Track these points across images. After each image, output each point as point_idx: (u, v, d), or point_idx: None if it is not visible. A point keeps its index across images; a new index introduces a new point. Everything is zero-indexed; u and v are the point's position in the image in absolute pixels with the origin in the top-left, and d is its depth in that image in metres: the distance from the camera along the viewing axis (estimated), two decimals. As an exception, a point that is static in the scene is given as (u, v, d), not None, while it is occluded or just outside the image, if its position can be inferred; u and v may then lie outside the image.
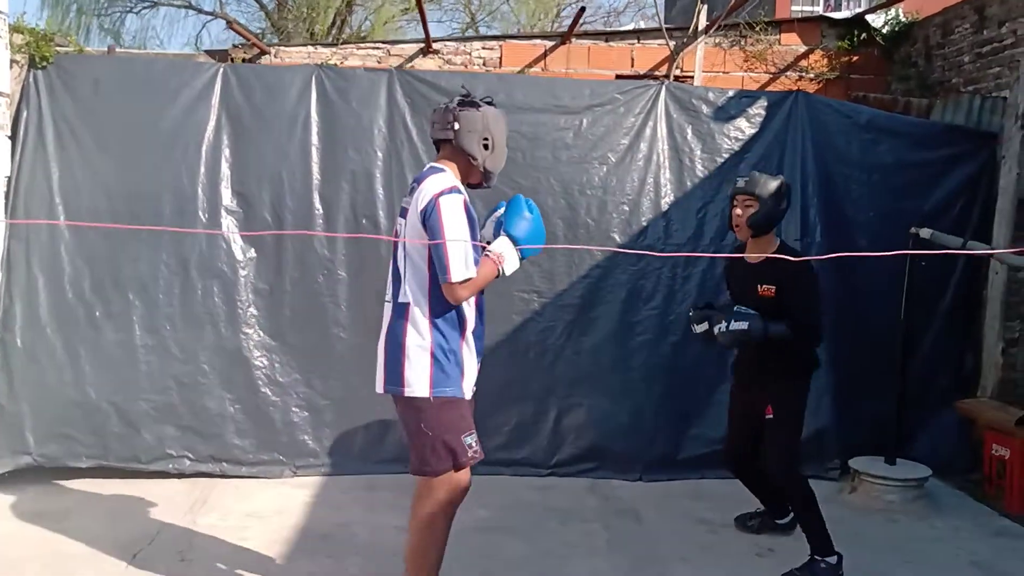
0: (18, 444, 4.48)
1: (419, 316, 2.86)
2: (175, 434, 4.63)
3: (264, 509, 4.25)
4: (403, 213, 2.94)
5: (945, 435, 5.16)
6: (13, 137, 4.53)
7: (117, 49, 5.56)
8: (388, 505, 4.17)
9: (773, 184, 3.65)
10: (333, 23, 18.28)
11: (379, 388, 2.94)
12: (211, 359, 4.66)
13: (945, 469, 5.00)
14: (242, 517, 4.13)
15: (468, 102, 2.94)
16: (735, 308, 3.59)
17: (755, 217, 3.62)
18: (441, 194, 2.80)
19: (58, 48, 4.70)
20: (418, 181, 2.92)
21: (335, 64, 6.57)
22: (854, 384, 5.00)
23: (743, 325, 3.51)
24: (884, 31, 7.02)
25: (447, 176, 2.90)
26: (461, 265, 2.78)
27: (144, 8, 19.13)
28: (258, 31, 19.96)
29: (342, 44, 7.09)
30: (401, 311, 2.88)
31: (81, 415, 4.54)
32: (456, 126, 2.90)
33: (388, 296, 2.96)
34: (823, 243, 4.94)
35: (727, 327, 3.53)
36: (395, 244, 2.92)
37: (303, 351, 4.75)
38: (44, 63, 4.58)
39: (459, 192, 2.84)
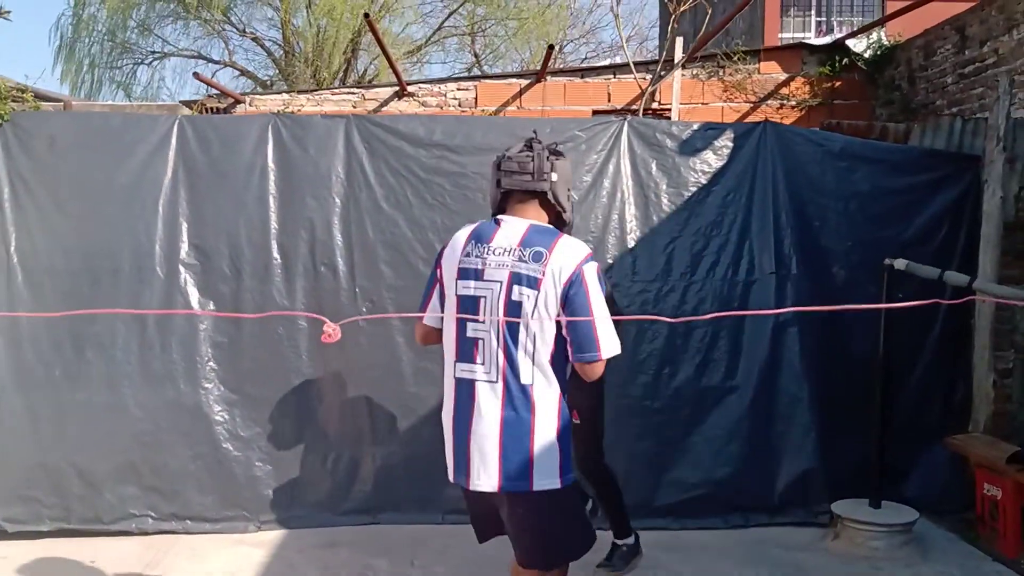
0: None
1: (547, 397, 2.55)
2: (137, 493, 4.53)
3: (216, 571, 4.12)
4: (523, 280, 2.52)
5: (936, 473, 4.93)
6: (-31, 197, 4.51)
7: (68, 101, 5.55)
8: (343, 563, 4.03)
9: None
10: (339, 69, 18.52)
11: (489, 486, 2.53)
12: (171, 416, 4.56)
13: (937, 509, 4.79)
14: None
15: (556, 150, 2.71)
16: None
17: None
18: (585, 262, 2.55)
19: (14, 104, 4.69)
20: (533, 243, 2.56)
21: (310, 111, 6.56)
22: (839, 422, 4.80)
23: None
24: (866, 55, 6.92)
25: (573, 239, 2.64)
26: (611, 339, 2.55)
27: (155, 60, 19.55)
28: (266, 78, 20.28)
29: (318, 91, 7.09)
30: (524, 394, 2.52)
31: (43, 477, 4.47)
32: (555, 176, 2.65)
33: (490, 375, 2.54)
34: (799, 274, 4.80)
35: None
36: (501, 314, 2.52)
37: (264, 403, 4.66)
38: (0, 122, 4.57)
39: (594, 259, 2.63)
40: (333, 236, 4.77)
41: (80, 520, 4.47)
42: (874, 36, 7.03)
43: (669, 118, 6.53)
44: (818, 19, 11.98)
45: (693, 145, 4.92)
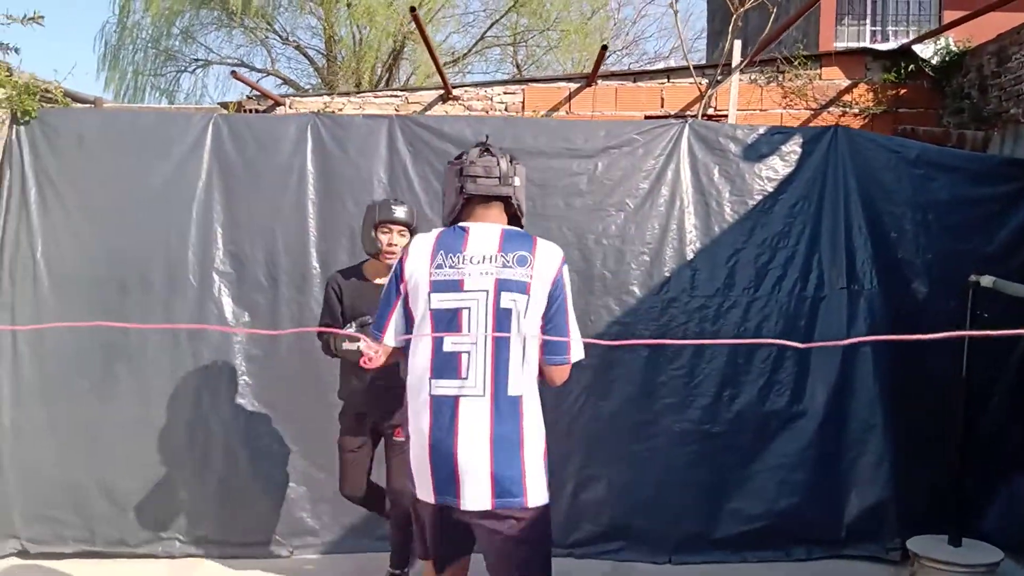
0: (5, 527, 4.24)
1: (532, 409, 2.45)
2: (164, 514, 4.31)
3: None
4: (511, 286, 2.41)
5: (1019, 507, 4.52)
6: (-5, 197, 4.33)
7: (99, 99, 5.38)
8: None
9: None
10: (381, 76, 18.46)
11: (481, 504, 2.36)
12: (202, 432, 4.33)
13: (1020, 547, 4.37)
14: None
15: (513, 156, 2.63)
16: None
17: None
18: (563, 263, 2.50)
19: (43, 103, 4.51)
20: (514, 247, 2.46)
21: (357, 114, 6.33)
22: (915, 450, 4.43)
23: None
24: (933, 62, 6.52)
25: (546, 240, 2.56)
26: (579, 343, 2.50)
27: (198, 67, 19.64)
28: (308, 86, 20.28)
29: (361, 93, 6.87)
30: (513, 406, 2.39)
31: (67, 496, 4.27)
32: (517, 181, 2.58)
33: (477, 389, 2.37)
34: (873, 290, 4.45)
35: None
36: (499, 326, 2.38)
37: (299, 420, 4.40)
38: (27, 118, 4.39)
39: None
40: (374, 243, 4.51)
41: (104, 542, 4.26)
42: (941, 42, 6.65)
43: (724, 124, 6.20)
44: (873, 28, 11.56)
45: (759, 150, 4.60)
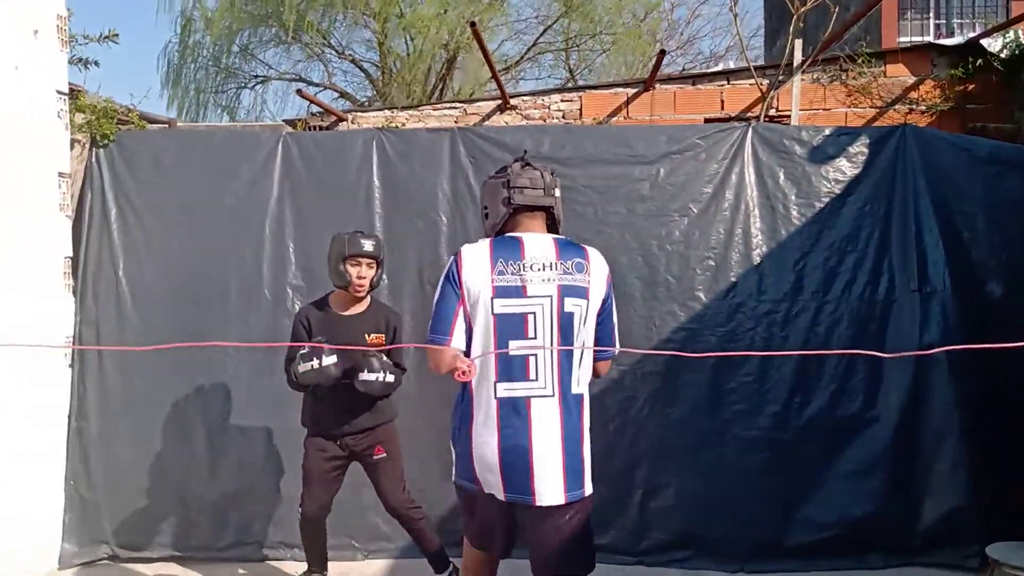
0: (97, 534, 4.44)
1: (587, 405, 2.60)
2: (247, 521, 4.47)
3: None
4: (574, 292, 2.53)
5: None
6: (79, 218, 4.52)
7: (173, 120, 5.56)
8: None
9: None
10: (435, 88, 18.64)
11: (555, 498, 2.46)
12: (281, 442, 4.46)
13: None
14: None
15: (553, 169, 2.80)
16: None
17: (376, 277, 3.75)
18: (607, 268, 2.69)
19: (120, 125, 4.69)
20: (570, 255, 2.58)
21: (406, 126, 6.43)
22: (992, 456, 4.32)
23: (392, 377, 3.61)
24: (1003, 55, 6.33)
25: (591, 247, 2.70)
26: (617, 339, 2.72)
27: (257, 83, 20.09)
28: (364, 99, 20.59)
29: (420, 106, 6.96)
30: (577, 403, 2.54)
31: (155, 503, 4.46)
32: (557, 192, 2.72)
33: (546, 390, 2.49)
34: (946, 292, 4.35)
35: (382, 378, 3.57)
36: (563, 329, 2.51)
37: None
38: (106, 141, 4.57)
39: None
40: (440, 255, 4.59)
41: (190, 547, 4.44)
42: (1010, 35, 6.45)
43: (788, 125, 6.12)
44: (937, 21, 11.28)
45: (825, 151, 4.54)
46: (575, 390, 2.52)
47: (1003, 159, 4.58)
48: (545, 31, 19.91)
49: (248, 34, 18.96)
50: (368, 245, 3.65)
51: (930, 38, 11.03)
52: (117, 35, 5.31)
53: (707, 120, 6.52)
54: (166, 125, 5.39)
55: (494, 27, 19.26)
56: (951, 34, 11.05)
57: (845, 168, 4.55)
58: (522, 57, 20.52)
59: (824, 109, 6.60)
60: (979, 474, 4.29)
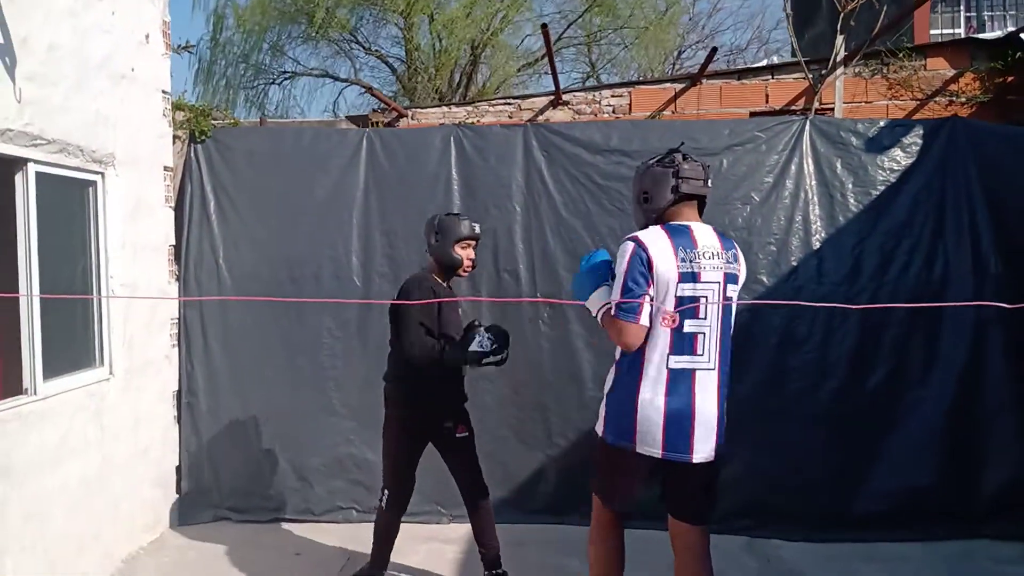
0: (211, 499, 4.86)
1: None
2: (343, 487, 4.85)
3: (415, 565, 4.27)
4: (733, 279, 2.91)
5: None
6: (179, 209, 4.84)
7: (267, 120, 5.88)
8: (536, 566, 4.07)
9: None
10: (460, 83, 18.90)
11: (708, 454, 2.84)
12: (372, 416, 4.73)
13: None
14: (395, 574, 4.14)
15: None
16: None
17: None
18: None
19: (214, 122, 5.00)
20: (727, 246, 2.93)
21: (472, 122, 6.71)
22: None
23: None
24: (1041, 47, 6.55)
25: None
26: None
27: (285, 79, 20.40)
28: (390, 94, 20.88)
29: (475, 102, 7.24)
30: (726, 377, 2.92)
31: (260, 471, 4.86)
32: (710, 183, 3.00)
33: (709, 364, 2.85)
34: (998, 274, 4.60)
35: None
36: (724, 311, 2.87)
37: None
38: (203, 137, 4.88)
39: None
40: (515, 244, 4.87)
41: (293, 511, 4.84)
42: (1049, 27, 6.67)
43: (844, 119, 6.36)
44: (968, 14, 11.46)
45: (880, 142, 4.78)
46: (726, 365, 2.90)
47: (1049, 148, 4.81)
48: (570, 26, 20.11)
49: (277, 30, 19.29)
50: (477, 228, 3.81)
51: (960, 30, 11.22)
52: (194, 46, 5.61)
53: (752, 114, 6.78)
54: (257, 123, 5.70)
55: (519, 22, 19.52)
56: (981, 27, 11.22)
57: (899, 158, 4.79)
58: (545, 53, 20.73)
59: (866, 102, 6.84)
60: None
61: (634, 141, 4.90)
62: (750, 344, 4.62)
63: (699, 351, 2.82)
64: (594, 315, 3.01)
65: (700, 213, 3.00)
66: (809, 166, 4.82)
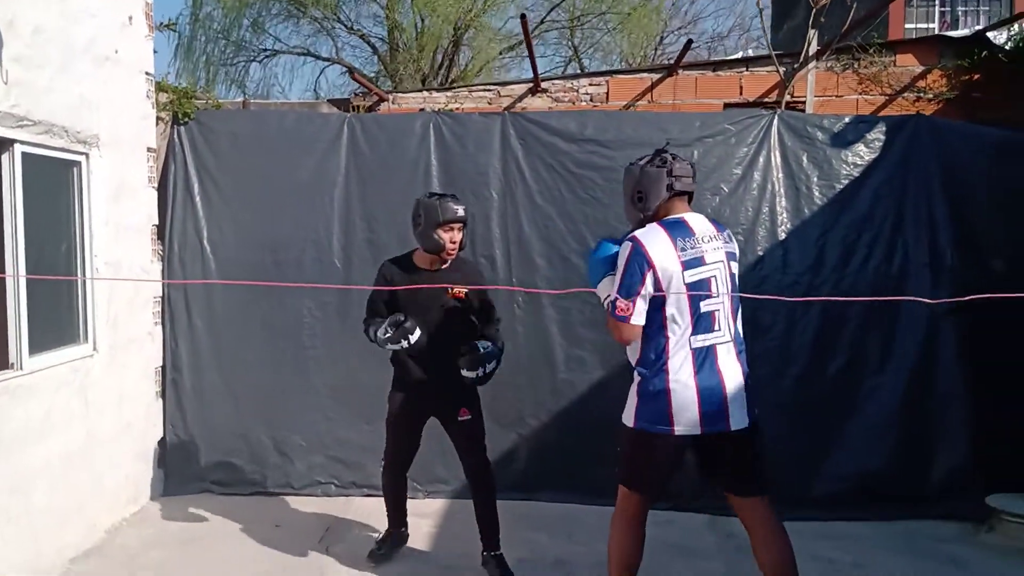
0: (194, 472, 5.00)
1: None
2: (323, 462, 5.01)
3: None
4: (733, 256, 3.13)
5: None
6: (163, 189, 4.94)
7: (248, 99, 5.96)
8: (507, 539, 4.23)
9: None
10: (441, 64, 18.90)
11: (743, 422, 3.02)
12: (350, 395, 4.95)
13: (1096, 506, 4.70)
14: (369, 546, 4.27)
15: None
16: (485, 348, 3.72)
17: (464, 240, 3.86)
18: None
19: (196, 103, 5.09)
20: (720, 228, 3.15)
21: (451, 108, 6.82)
22: (995, 414, 4.73)
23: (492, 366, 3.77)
24: (1007, 47, 6.74)
25: None
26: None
27: (266, 57, 20.29)
28: (372, 74, 20.82)
29: (454, 88, 7.34)
30: (742, 346, 3.11)
31: (243, 446, 5.01)
32: (696, 179, 3.22)
33: (725, 336, 3.02)
34: (955, 267, 4.80)
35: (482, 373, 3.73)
36: (730, 286, 3.06)
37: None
38: (186, 119, 4.97)
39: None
40: (491, 230, 5.02)
41: (274, 485, 5.01)
42: (1015, 28, 6.84)
43: (803, 111, 6.53)
44: (942, 9, 11.66)
45: (845, 137, 4.96)
46: (741, 334, 3.10)
47: (1008, 147, 4.99)
48: (553, 9, 20.11)
49: (259, 7, 19.15)
50: (460, 210, 3.72)
51: (935, 25, 11.41)
52: (175, 23, 5.66)
53: (726, 105, 6.93)
54: (240, 104, 5.78)
55: (502, 3, 19.51)
56: (955, 22, 11.42)
57: (863, 153, 4.96)
58: (528, 35, 20.74)
59: (837, 96, 7.01)
60: (983, 431, 4.71)
61: (608, 131, 5.05)
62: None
63: (716, 327, 3.00)
64: (601, 302, 3.18)
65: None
66: (776, 159, 4.99)
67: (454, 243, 3.74)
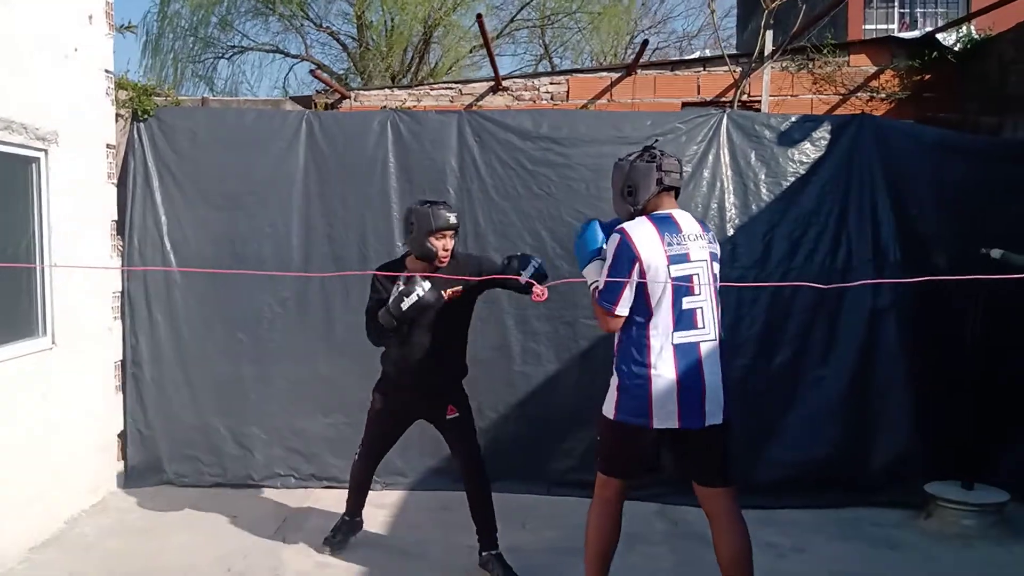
0: (154, 464, 5.07)
1: None
2: (282, 455, 5.10)
3: (348, 528, 4.51)
4: (715, 257, 3.21)
5: (1027, 456, 5.03)
6: (123, 186, 5.00)
7: (209, 97, 6.02)
8: (461, 526, 4.35)
9: None
10: (411, 62, 18.93)
11: (718, 418, 3.11)
12: (309, 388, 5.05)
13: (1027, 491, 4.89)
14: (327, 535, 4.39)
15: None
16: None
17: (457, 245, 3.91)
18: None
19: (155, 99, 5.15)
20: (705, 229, 3.25)
21: (411, 106, 6.92)
22: (934, 405, 4.93)
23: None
24: (956, 49, 6.94)
25: None
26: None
27: (234, 54, 20.20)
28: (341, 72, 20.79)
29: (416, 85, 7.43)
30: (723, 344, 3.19)
31: (203, 439, 5.09)
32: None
33: (709, 335, 3.11)
34: (900, 261, 4.96)
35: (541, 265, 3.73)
36: (713, 285, 3.15)
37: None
38: (146, 116, 5.03)
39: None
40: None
41: (234, 477, 5.08)
42: (963, 30, 7.04)
43: (759, 110, 6.69)
44: (901, 10, 11.89)
45: (791, 136, 5.11)
46: (722, 333, 3.19)
47: (947, 145, 5.19)
48: (524, 7, 20.21)
49: (227, 4, 19.07)
50: (452, 218, 3.76)
51: (894, 26, 11.64)
52: (135, 26, 5.71)
53: (684, 104, 7.08)
54: (199, 102, 5.84)
55: (472, 2, 19.58)
56: (914, 23, 11.66)
57: (809, 151, 5.12)
58: (499, 33, 20.85)
59: (792, 95, 7.18)
60: (921, 420, 4.89)
61: (563, 129, 5.17)
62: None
63: (699, 324, 3.09)
64: (588, 286, 3.26)
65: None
66: (725, 157, 5.13)
67: (446, 250, 3.79)
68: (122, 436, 5.04)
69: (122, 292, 5.01)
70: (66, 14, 4.36)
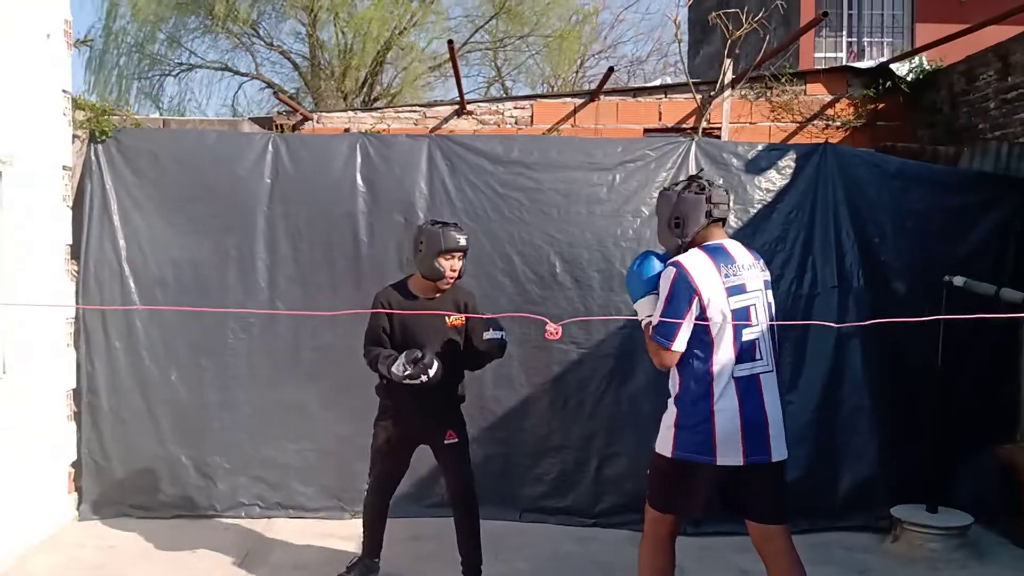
0: (114, 496, 4.88)
1: None
2: (246, 484, 4.94)
3: (312, 562, 4.39)
4: (768, 286, 3.18)
5: (988, 480, 5.12)
6: (79, 208, 4.81)
7: (166, 117, 5.88)
8: (432, 555, 4.26)
9: None
10: (364, 82, 18.82)
11: (782, 454, 3.05)
12: (276, 414, 4.93)
13: (989, 515, 4.97)
14: (290, 570, 4.26)
15: None
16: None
17: (464, 267, 3.89)
18: None
19: (114, 119, 4.99)
20: (756, 256, 3.21)
21: (378, 128, 6.85)
22: (899, 430, 5.00)
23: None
24: (908, 79, 7.15)
25: None
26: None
27: (182, 71, 19.85)
28: (292, 91, 20.59)
29: (380, 108, 7.37)
30: (779, 375, 3.14)
31: (163, 469, 4.91)
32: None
33: (767, 366, 3.07)
34: (860, 288, 5.03)
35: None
36: (768, 312, 3.10)
37: (360, 404, 4.87)
38: (104, 137, 4.87)
39: None
40: (418, 249, 5.04)
41: (195, 507, 4.91)
42: (916, 61, 7.26)
43: (719, 136, 6.79)
44: (849, 39, 12.24)
45: (758, 164, 5.17)
46: (778, 364, 3.14)
47: (909, 175, 5.29)
48: (477, 31, 20.28)
49: (174, 21, 18.74)
50: (462, 240, 3.76)
51: (843, 55, 11.98)
52: (92, 39, 5.56)
53: (646, 130, 7.16)
54: (160, 121, 5.69)
55: (427, 24, 19.57)
56: (861, 52, 12.02)
57: (775, 179, 5.19)
58: (456, 55, 20.86)
59: (750, 123, 7.32)
60: (889, 446, 4.96)
61: (534, 153, 5.15)
62: (637, 348, 4.90)
63: (758, 355, 3.04)
64: (640, 321, 3.17)
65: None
66: (694, 184, 5.16)
67: (454, 271, 3.77)
68: (75, 466, 4.84)
69: (76, 318, 4.81)
70: (23, 32, 4.20)
